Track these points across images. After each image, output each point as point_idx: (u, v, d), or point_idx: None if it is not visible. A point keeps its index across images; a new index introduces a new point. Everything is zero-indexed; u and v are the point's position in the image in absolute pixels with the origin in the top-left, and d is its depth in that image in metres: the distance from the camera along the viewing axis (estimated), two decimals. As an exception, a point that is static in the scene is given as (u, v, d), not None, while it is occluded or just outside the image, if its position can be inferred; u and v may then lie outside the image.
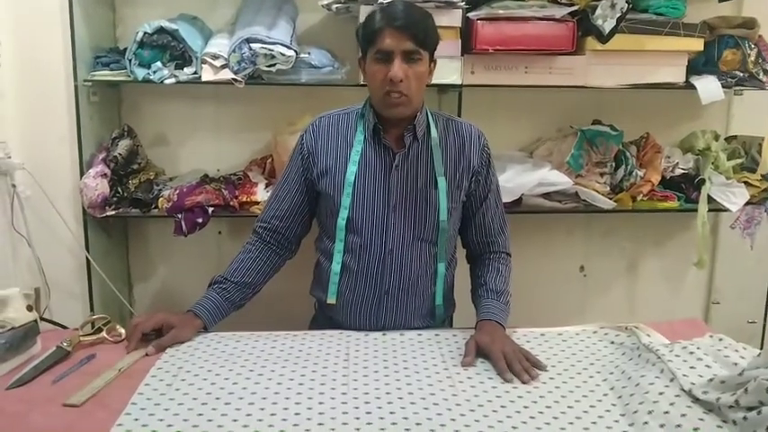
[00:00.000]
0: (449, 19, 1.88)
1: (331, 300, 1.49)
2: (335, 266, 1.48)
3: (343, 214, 1.45)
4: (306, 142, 1.51)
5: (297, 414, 1.07)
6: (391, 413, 1.08)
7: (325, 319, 1.58)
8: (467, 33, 1.93)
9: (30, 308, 1.29)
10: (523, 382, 1.20)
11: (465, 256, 1.64)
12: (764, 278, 2.43)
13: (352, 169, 1.45)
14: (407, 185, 1.46)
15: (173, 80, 1.90)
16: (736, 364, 1.15)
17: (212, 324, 1.43)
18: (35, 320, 1.29)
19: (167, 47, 1.89)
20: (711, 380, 1.07)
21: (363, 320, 1.49)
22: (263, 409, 1.08)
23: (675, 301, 2.53)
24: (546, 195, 2.09)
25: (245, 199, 2.01)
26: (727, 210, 2.14)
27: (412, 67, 1.38)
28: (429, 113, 1.51)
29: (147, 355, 1.29)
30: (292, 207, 1.52)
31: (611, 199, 2.11)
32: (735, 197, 2.13)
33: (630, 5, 1.87)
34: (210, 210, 1.96)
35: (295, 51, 1.88)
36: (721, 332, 1.31)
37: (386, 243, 1.46)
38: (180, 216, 1.93)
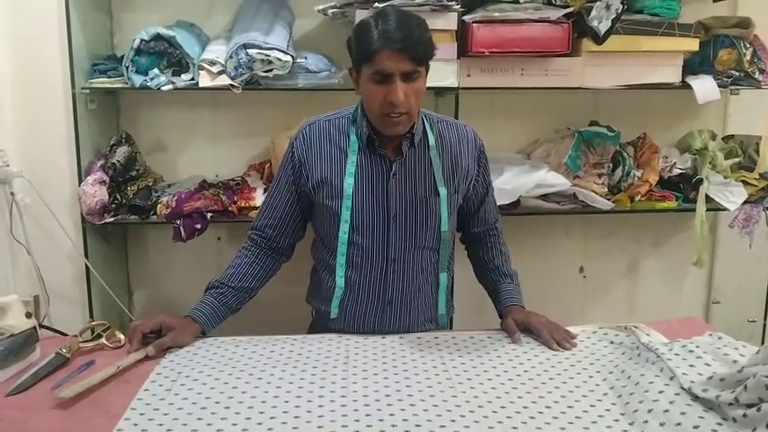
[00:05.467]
0: (444, 22, 1.89)
1: (334, 315, 1.49)
2: (339, 281, 1.46)
3: (345, 228, 1.43)
4: (296, 150, 1.48)
5: (296, 417, 1.07)
6: (391, 415, 1.07)
7: (323, 328, 1.54)
8: (462, 36, 1.93)
9: (29, 315, 1.29)
10: (566, 350, 1.34)
11: (460, 239, 1.66)
12: (764, 276, 2.43)
13: (349, 182, 1.43)
14: (407, 193, 1.44)
15: (170, 87, 1.90)
16: (735, 361, 1.15)
17: (210, 329, 1.42)
18: (34, 327, 1.29)
19: (164, 53, 1.89)
20: (711, 378, 1.07)
21: (366, 331, 1.47)
22: (262, 413, 1.08)
23: (675, 302, 2.53)
24: (544, 197, 2.09)
25: (243, 204, 2.00)
26: (725, 209, 2.14)
27: (411, 85, 1.34)
28: (423, 117, 1.48)
29: (147, 355, 1.29)
30: (284, 215, 1.51)
31: (609, 200, 2.11)
32: (733, 196, 2.13)
33: (625, 6, 1.88)
34: (209, 215, 1.96)
35: (292, 56, 1.88)
36: (722, 331, 1.31)
37: (387, 253, 1.45)
38: (179, 222, 1.93)
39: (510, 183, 2.01)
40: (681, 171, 2.20)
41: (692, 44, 2.04)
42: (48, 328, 1.57)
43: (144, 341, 1.33)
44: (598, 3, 1.88)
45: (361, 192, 1.44)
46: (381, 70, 1.32)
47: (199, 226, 1.95)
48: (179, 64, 1.92)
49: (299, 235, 1.56)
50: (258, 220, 1.55)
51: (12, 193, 1.92)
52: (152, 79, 1.89)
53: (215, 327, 1.44)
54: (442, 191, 1.46)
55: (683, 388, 1.09)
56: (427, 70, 1.41)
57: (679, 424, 1.00)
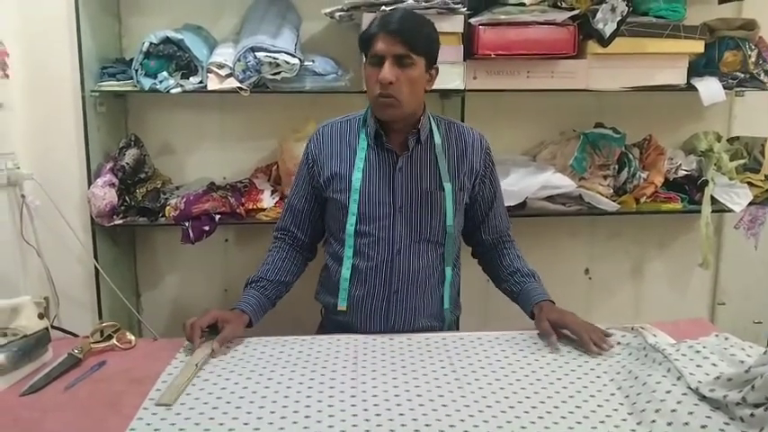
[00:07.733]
0: (451, 25, 1.90)
1: (342, 306, 1.52)
2: (345, 272, 1.51)
3: (352, 221, 1.49)
4: (311, 151, 1.55)
5: (307, 417, 1.08)
6: (400, 415, 1.08)
7: (332, 324, 1.59)
8: (469, 39, 1.94)
9: (41, 316, 1.30)
10: (604, 351, 1.32)
11: (471, 253, 1.67)
12: (770, 278, 2.44)
13: (357, 176, 1.48)
14: (412, 187, 1.49)
15: (179, 89, 1.92)
16: (742, 362, 1.16)
17: (257, 320, 1.46)
18: (46, 328, 1.30)
19: (173, 57, 1.91)
20: (718, 378, 1.08)
21: (373, 321, 1.51)
22: (273, 413, 1.09)
23: (681, 303, 2.53)
24: (550, 198, 2.10)
25: (251, 206, 2.02)
26: (730, 210, 2.15)
27: (404, 71, 1.40)
28: (431, 117, 1.54)
29: (213, 349, 1.31)
30: (305, 214, 1.58)
31: (614, 201, 2.12)
32: (738, 198, 2.14)
33: (631, 9, 1.89)
34: (217, 217, 1.97)
35: (299, 59, 1.89)
36: (727, 333, 1.32)
37: (393, 243, 1.49)
38: (187, 224, 1.95)
39: (516, 184, 2.02)
40: (686, 173, 2.21)
41: (698, 46, 2.05)
42: (58, 329, 1.59)
43: (202, 337, 1.35)
44: (603, 5, 1.89)
45: (368, 184, 1.49)
46: (376, 52, 1.41)
47: (207, 228, 1.96)
48: (187, 67, 1.93)
49: (320, 233, 1.62)
50: (281, 221, 1.61)
51: (22, 196, 1.93)
52: (161, 82, 1.90)
53: (260, 319, 1.47)
54: (447, 186, 1.50)
55: (690, 388, 1.10)
56: (434, 71, 1.48)
57: (687, 424, 1.00)
